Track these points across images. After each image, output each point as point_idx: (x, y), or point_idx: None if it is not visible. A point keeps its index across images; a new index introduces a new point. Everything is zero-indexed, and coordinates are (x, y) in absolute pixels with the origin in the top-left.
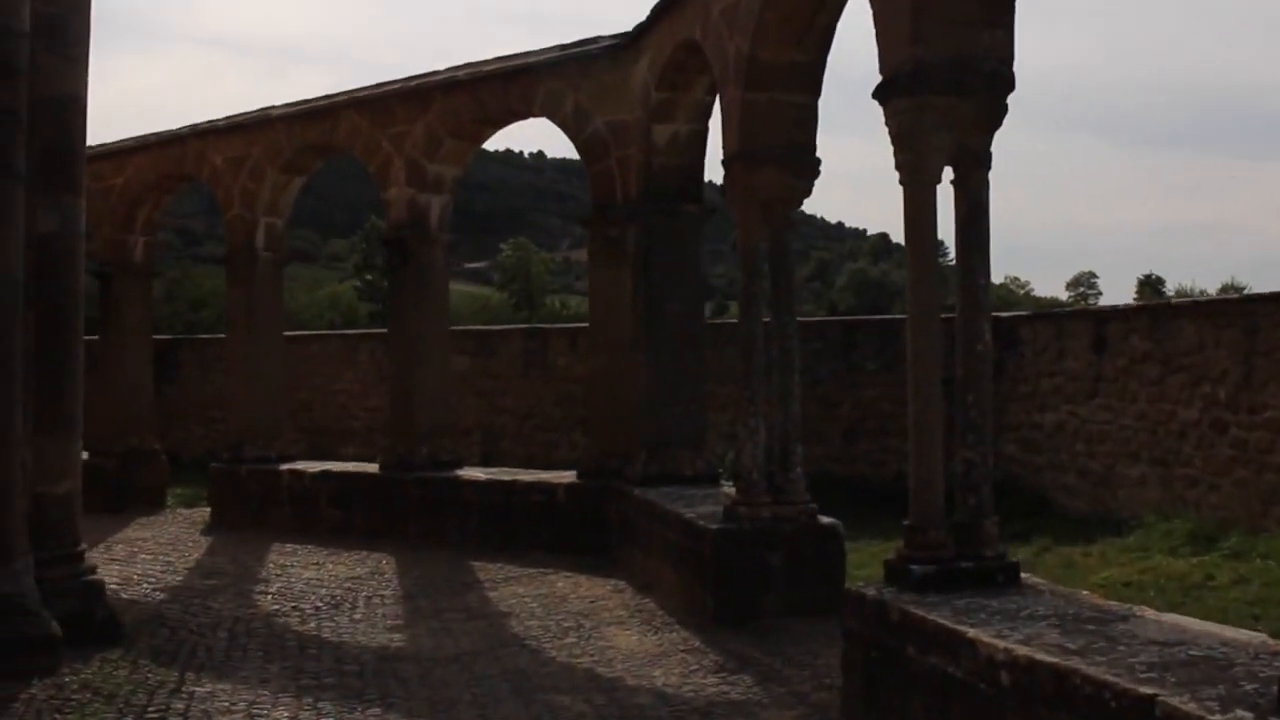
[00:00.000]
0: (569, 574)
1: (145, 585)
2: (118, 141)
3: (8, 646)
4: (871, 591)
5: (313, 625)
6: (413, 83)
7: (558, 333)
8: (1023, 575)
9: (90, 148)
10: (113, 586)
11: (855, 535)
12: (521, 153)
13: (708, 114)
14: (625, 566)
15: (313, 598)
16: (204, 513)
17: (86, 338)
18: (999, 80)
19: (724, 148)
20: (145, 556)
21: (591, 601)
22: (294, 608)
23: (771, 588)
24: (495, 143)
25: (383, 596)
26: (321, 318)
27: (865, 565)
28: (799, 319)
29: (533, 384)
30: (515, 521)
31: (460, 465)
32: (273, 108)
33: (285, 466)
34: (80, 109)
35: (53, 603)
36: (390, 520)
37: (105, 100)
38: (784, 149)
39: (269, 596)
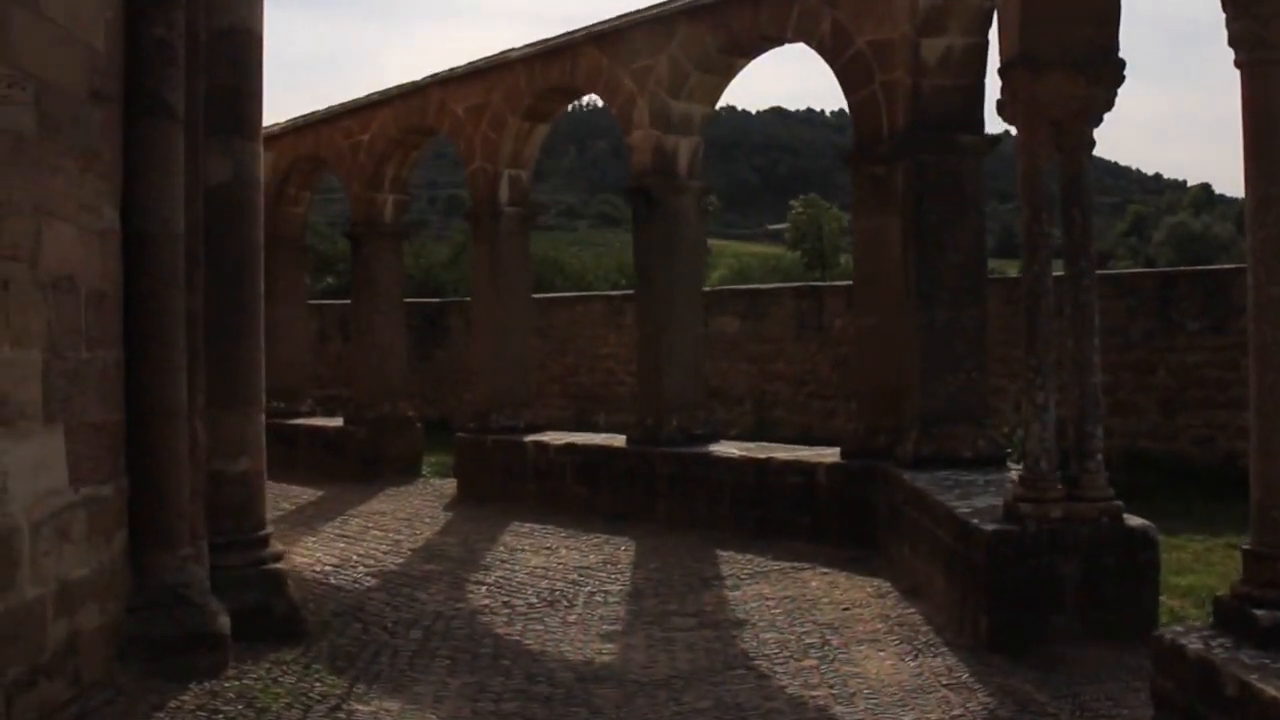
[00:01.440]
0: (825, 570)
1: (361, 569)
2: (365, 96)
3: (167, 644)
4: (1194, 643)
5: (518, 627)
6: (653, 10)
7: (833, 291)
8: None
9: (341, 105)
10: (327, 568)
11: (1174, 529)
12: (823, 111)
13: (987, 23)
14: (892, 565)
15: (530, 591)
16: (454, 484)
17: (339, 302)
18: None
19: (1001, 52)
20: (376, 533)
21: (845, 609)
22: (505, 604)
23: (1062, 606)
24: (798, 102)
25: (607, 593)
26: (607, 280)
27: (1187, 571)
28: (1106, 272)
29: (807, 347)
30: (770, 505)
31: (716, 439)
32: (512, 50)
33: (530, 438)
34: (254, 43)
35: (227, 594)
36: (637, 499)
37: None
38: (1078, 49)
39: (483, 588)
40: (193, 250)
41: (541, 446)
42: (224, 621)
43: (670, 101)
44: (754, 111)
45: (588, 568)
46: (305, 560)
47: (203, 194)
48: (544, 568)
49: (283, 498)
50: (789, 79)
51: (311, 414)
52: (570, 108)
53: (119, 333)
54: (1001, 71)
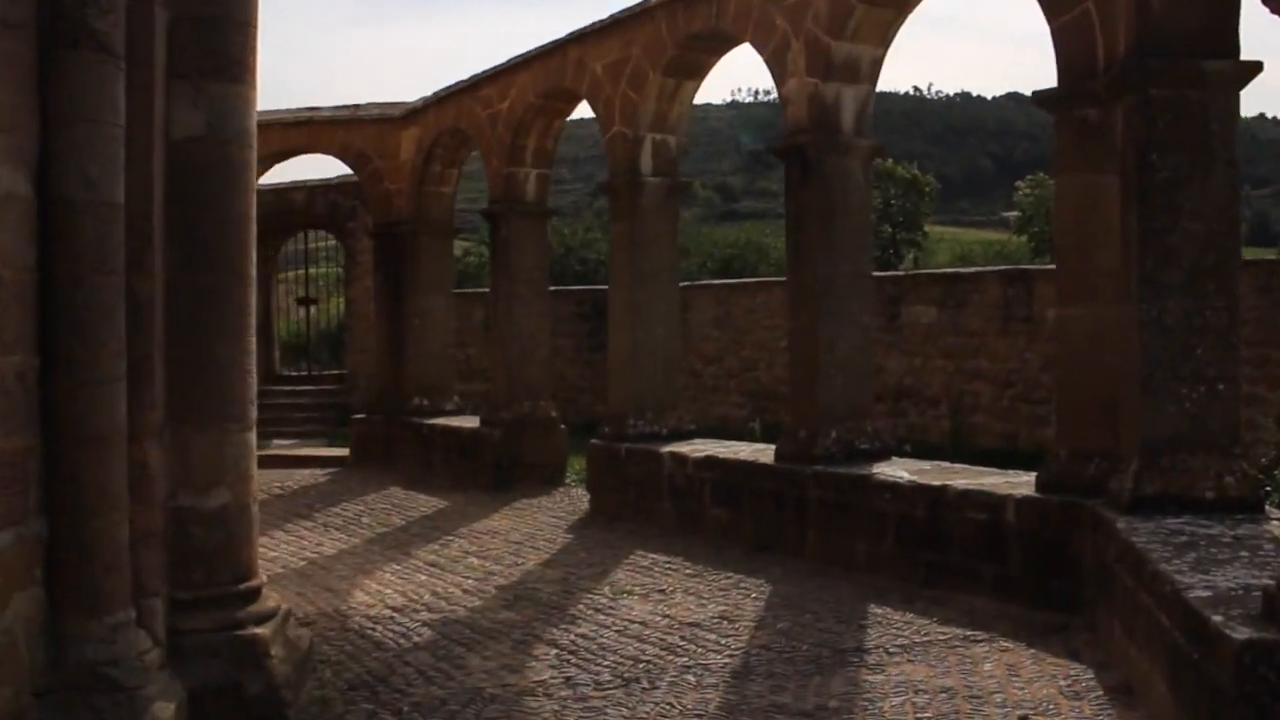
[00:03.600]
0: (1007, 644)
1: (424, 614)
2: (505, 61)
3: None
4: None
5: None
6: None
7: (1046, 275)
8: None
9: (481, 73)
10: (384, 613)
11: None
12: None
13: None
14: (1098, 643)
15: (609, 661)
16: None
17: (473, 291)
18: None
19: None
20: (473, 561)
21: (1021, 716)
22: (568, 680)
23: None
24: (1035, 86)
25: (705, 669)
26: None
27: None
28: None
29: (1014, 341)
30: (944, 547)
31: (886, 456)
32: None
33: (668, 448)
34: None
35: (188, 667)
36: (784, 529)
37: None
38: None
39: (553, 653)
40: (142, 223)
41: (679, 459)
42: (160, 711)
43: (830, 43)
44: (989, 97)
45: (698, 625)
46: (365, 600)
47: (163, 152)
48: (644, 623)
49: (400, 510)
50: (1025, 63)
51: (457, 412)
52: None
53: (28, 332)
54: None
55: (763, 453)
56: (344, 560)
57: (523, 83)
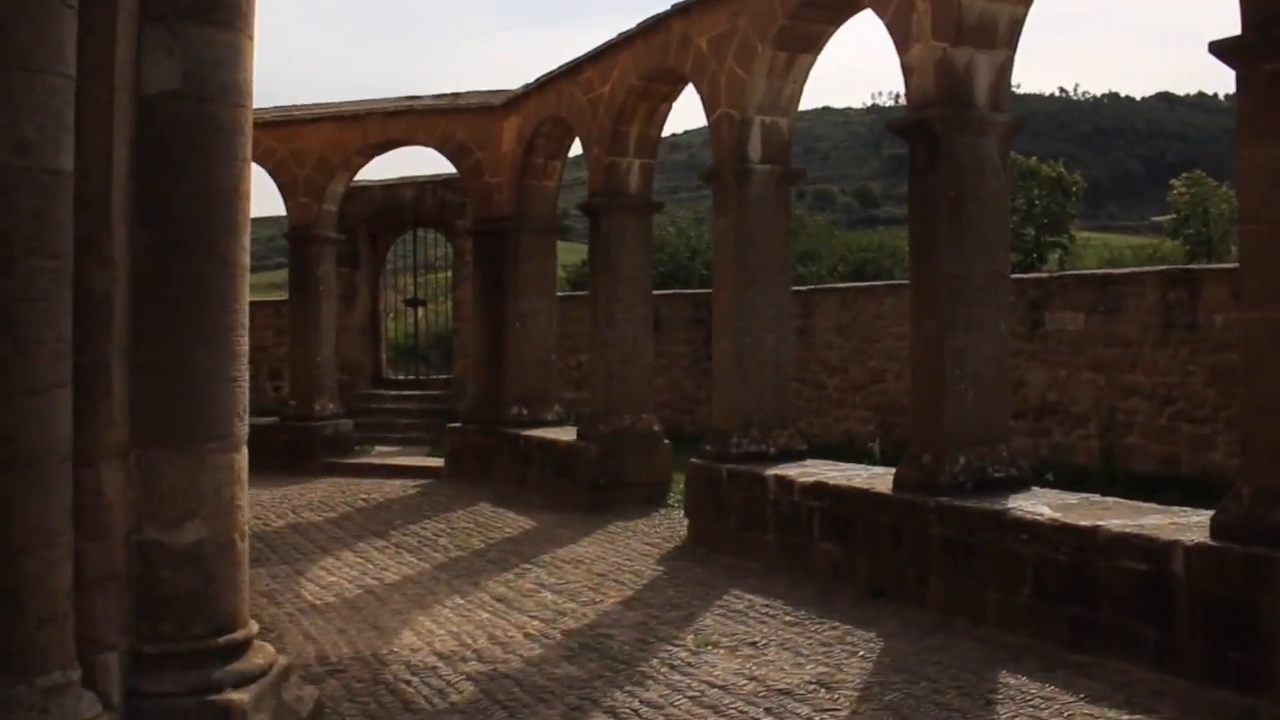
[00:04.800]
0: None
1: (473, 664)
2: (606, 41)
3: None
4: None
5: None
6: None
7: (1213, 276)
8: None
9: (583, 55)
10: (428, 662)
11: None
12: (1216, 95)
13: None
14: None
15: None
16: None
17: (573, 294)
18: None
19: None
20: (547, 596)
21: None
22: None
23: None
24: (1186, 86)
25: None
26: None
27: None
28: None
29: (1175, 352)
30: (1093, 601)
31: (1024, 486)
32: None
33: (773, 471)
34: None
35: None
36: (902, 570)
37: None
38: None
39: None
40: (99, 196)
41: (785, 484)
42: None
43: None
44: (1138, 97)
45: (789, 693)
46: (412, 643)
47: (130, 111)
48: (725, 687)
49: (483, 531)
50: (1176, 60)
51: (559, 423)
52: None
53: None
54: None
55: (881, 479)
56: (404, 590)
57: (624, 64)
